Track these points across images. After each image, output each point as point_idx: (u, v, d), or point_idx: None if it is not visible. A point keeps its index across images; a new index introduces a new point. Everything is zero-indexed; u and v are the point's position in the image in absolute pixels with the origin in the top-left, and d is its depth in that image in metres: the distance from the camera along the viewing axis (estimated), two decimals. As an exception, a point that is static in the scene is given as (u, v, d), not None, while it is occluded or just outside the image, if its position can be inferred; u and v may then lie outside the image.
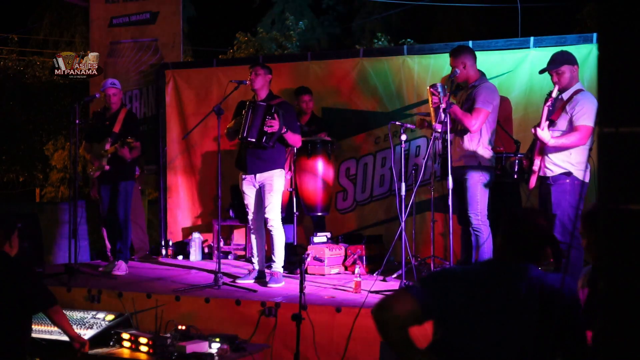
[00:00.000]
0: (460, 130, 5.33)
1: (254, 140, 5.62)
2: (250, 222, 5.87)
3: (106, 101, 6.56)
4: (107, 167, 6.31)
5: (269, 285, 5.57)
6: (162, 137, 7.91)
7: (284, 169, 5.91)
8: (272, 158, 5.76)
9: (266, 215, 5.72)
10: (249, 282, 5.70)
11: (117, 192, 6.41)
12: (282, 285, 5.59)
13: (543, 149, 4.84)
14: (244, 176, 5.81)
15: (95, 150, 6.44)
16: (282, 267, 5.82)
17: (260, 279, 5.76)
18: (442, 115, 5.05)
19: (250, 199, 5.82)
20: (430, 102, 5.34)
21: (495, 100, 5.28)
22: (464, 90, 5.49)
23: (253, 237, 5.87)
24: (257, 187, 5.78)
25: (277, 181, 5.75)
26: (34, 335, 4.21)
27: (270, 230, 5.75)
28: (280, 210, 5.84)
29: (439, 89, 5.16)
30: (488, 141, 5.28)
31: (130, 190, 6.51)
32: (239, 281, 5.71)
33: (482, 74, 5.43)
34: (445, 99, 5.07)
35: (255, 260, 5.87)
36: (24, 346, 3.96)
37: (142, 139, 6.67)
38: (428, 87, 5.33)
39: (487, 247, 5.17)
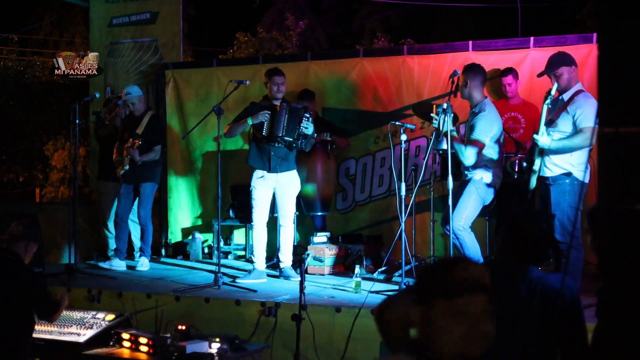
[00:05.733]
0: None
1: (291, 140, 5.81)
2: (255, 220, 5.89)
3: (130, 109, 6.78)
4: (126, 168, 6.56)
5: (291, 279, 5.76)
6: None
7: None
8: (293, 159, 6.04)
9: (288, 214, 5.95)
10: (253, 281, 5.72)
11: (137, 193, 6.71)
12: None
13: (544, 149, 4.84)
14: (262, 174, 5.87)
15: (119, 152, 6.72)
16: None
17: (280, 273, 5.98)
18: (444, 143, 5.02)
19: (262, 197, 5.91)
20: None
21: (494, 130, 5.17)
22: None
23: (258, 235, 5.91)
24: (273, 186, 5.91)
25: (296, 182, 6.04)
26: (33, 335, 4.21)
27: (286, 228, 5.95)
28: None
29: (445, 108, 5.03)
30: (498, 146, 5.24)
31: (150, 192, 6.74)
32: (240, 280, 5.72)
33: (485, 98, 5.30)
34: (446, 125, 5.01)
35: (258, 259, 5.89)
36: (25, 347, 3.97)
37: (164, 142, 6.88)
38: (434, 107, 5.23)
39: (476, 254, 5.14)
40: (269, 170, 5.90)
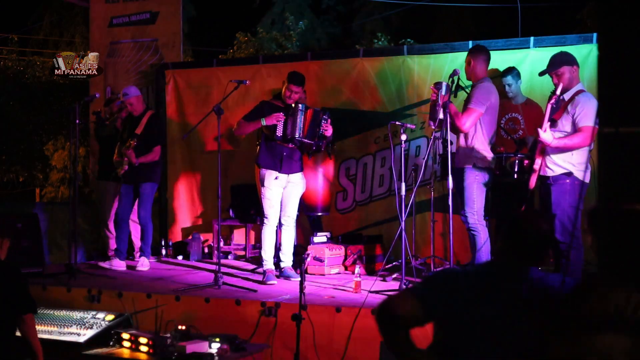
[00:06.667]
0: (457, 131, 5.34)
1: (311, 142, 5.90)
2: (270, 218, 5.89)
3: (129, 110, 6.79)
4: (125, 168, 6.57)
5: (292, 279, 5.76)
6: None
7: None
8: (301, 159, 6.09)
9: (292, 215, 5.97)
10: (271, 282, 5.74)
11: (137, 193, 6.70)
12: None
13: (545, 149, 4.84)
14: (275, 174, 5.89)
15: (119, 153, 6.72)
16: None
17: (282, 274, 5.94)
18: (441, 114, 5.05)
19: (276, 196, 5.91)
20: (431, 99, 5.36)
21: (490, 100, 5.25)
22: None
23: (271, 234, 5.92)
24: (283, 186, 5.94)
25: (303, 182, 6.09)
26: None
27: (289, 228, 5.98)
28: None
29: (442, 87, 5.15)
30: (487, 142, 5.27)
31: (150, 192, 6.74)
32: (269, 282, 5.69)
33: (486, 76, 5.41)
34: (444, 97, 5.06)
35: (270, 259, 5.91)
36: (11, 344, 3.92)
37: (163, 142, 6.91)
38: (432, 84, 5.33)
39: (485, 249, 5.16)
40: (281, 171, 5.91)
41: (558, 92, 4.78)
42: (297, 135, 5.83)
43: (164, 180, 7.76)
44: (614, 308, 1.48)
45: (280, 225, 6.02)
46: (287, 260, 5.98)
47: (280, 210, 5.99)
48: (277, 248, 6.11)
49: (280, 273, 5.96)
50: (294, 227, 6.02)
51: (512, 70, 6.13)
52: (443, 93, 5.12)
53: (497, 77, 6.22)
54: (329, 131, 5.95)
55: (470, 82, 5.61)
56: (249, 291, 5.30)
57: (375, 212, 7.03)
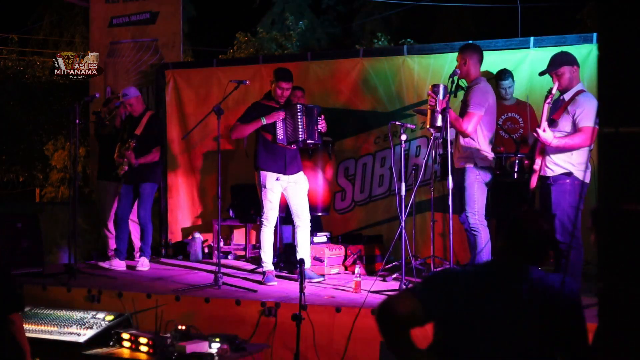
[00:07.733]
0: (457, 132, 5.33)
1: (313, 142, 5.87)
2: (270, 220, 5.85)
3: (129, 110, 6.81)
4: (125, 168, 6.58)
5: (313, 280, 5.75)
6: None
7: None
8: (301, 159, 6.07)
9: (304, 214, 5.90)
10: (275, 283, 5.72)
11: (137, 193, 6.72)
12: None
13: (544, 149, 4.84)
14: (277, 176, 5.84)
15: (119, 153, 6.73)
16: (283, 266, 6.05)
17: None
18: (439, 119, 5.03)
19: (277, 198, 5.87)
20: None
21: (488, 101, 5.21)
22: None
23: (270, 235, 5.88)
24: (284, 187, 5.89)
25: (306, 180, 6.05)
26: (33, 335, 4.20)
27: (304, 228, 5.90)
28: None
29: (440, 90, 5.11)
30: (488, 142, 5.27)
31: (150, 192, 6.75)
32: (269, 284, 5.68)
33: (481, 76, 5.39)
34: (442, 102, 5.04)
35: (270, 260, 5.88)
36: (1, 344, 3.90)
37: (163, 142, 6.95)
38: (430, 87, 5.30)
39: (486, 250, 5.15)
40: (285, 173, 5.87)
41: (553, 91, 4.77)
42: (300, 137, 5.77)
43: (164, 180, 7.77)
44: None
45: (295, 226, 5.94)
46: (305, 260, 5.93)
47: (292, 214, 5.94)
48: (276, 249, 6.10)
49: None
50: (308, 226, 5.93)
51: (509, 73, 6.12)
52: (441, 97, 5.07)
53: (492, 79, 6.22)
54: (324, 127, 5.92)
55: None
56: (248, 291, 5.30)
57: (375, 212, 7.03)
